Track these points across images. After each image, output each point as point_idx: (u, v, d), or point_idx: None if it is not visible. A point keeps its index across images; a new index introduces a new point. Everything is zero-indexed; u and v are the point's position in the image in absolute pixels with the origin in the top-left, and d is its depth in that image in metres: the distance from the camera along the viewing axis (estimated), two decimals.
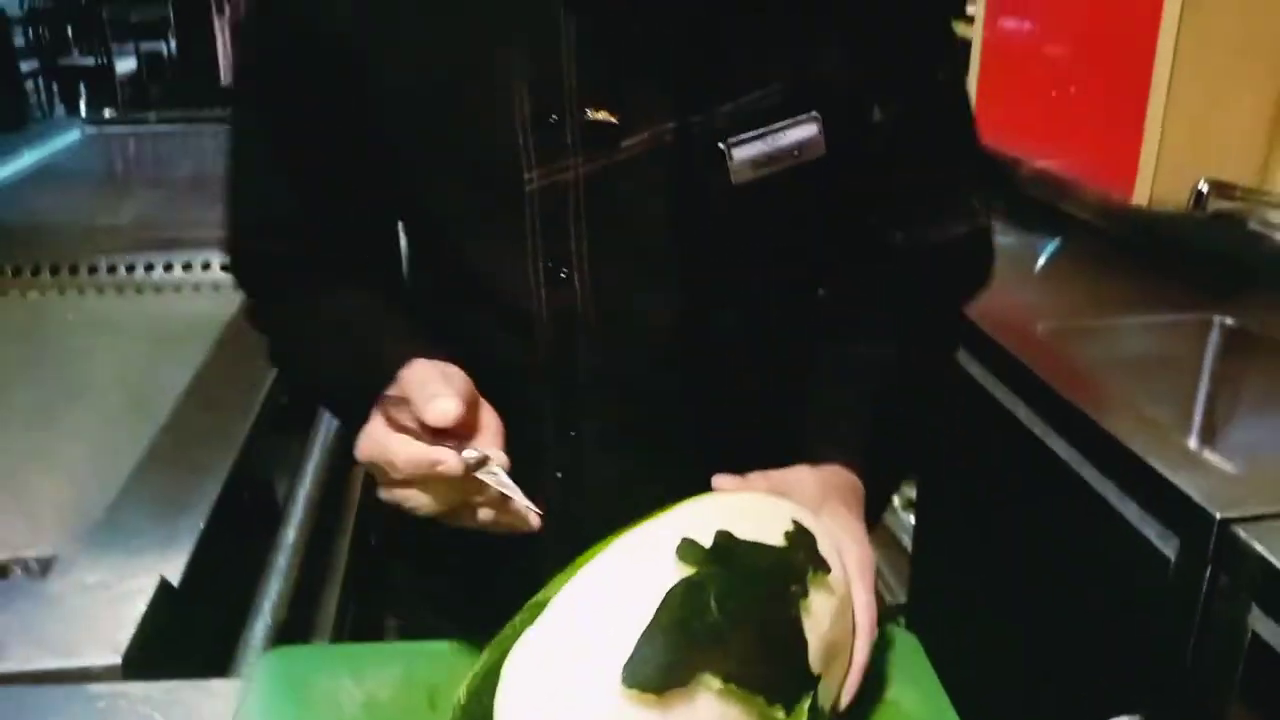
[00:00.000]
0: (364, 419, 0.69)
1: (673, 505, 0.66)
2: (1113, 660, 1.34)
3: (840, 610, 0.66)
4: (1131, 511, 1.25)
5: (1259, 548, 1.06)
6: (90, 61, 8.09)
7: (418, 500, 0.66)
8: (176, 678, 0.84)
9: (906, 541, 2.04)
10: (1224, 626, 1.11)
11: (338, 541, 1.49)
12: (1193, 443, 1.59)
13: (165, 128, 3.10)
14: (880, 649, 0.73)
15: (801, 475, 0.75)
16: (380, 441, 0.66)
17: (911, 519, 2.04)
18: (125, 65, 8.18)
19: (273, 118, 0.82)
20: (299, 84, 0.79)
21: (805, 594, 0.63)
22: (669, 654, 0.57)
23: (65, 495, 1.21)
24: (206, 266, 1.87)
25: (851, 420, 0.82)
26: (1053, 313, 1.67)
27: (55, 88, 8.33)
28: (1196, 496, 1.14)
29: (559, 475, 0.83)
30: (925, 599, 1.98)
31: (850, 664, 0.68)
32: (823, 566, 0.65)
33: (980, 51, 2.17)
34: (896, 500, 2.17)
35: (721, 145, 0.73)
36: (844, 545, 0.70)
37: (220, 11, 10.46)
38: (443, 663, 0.77)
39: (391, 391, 0.68)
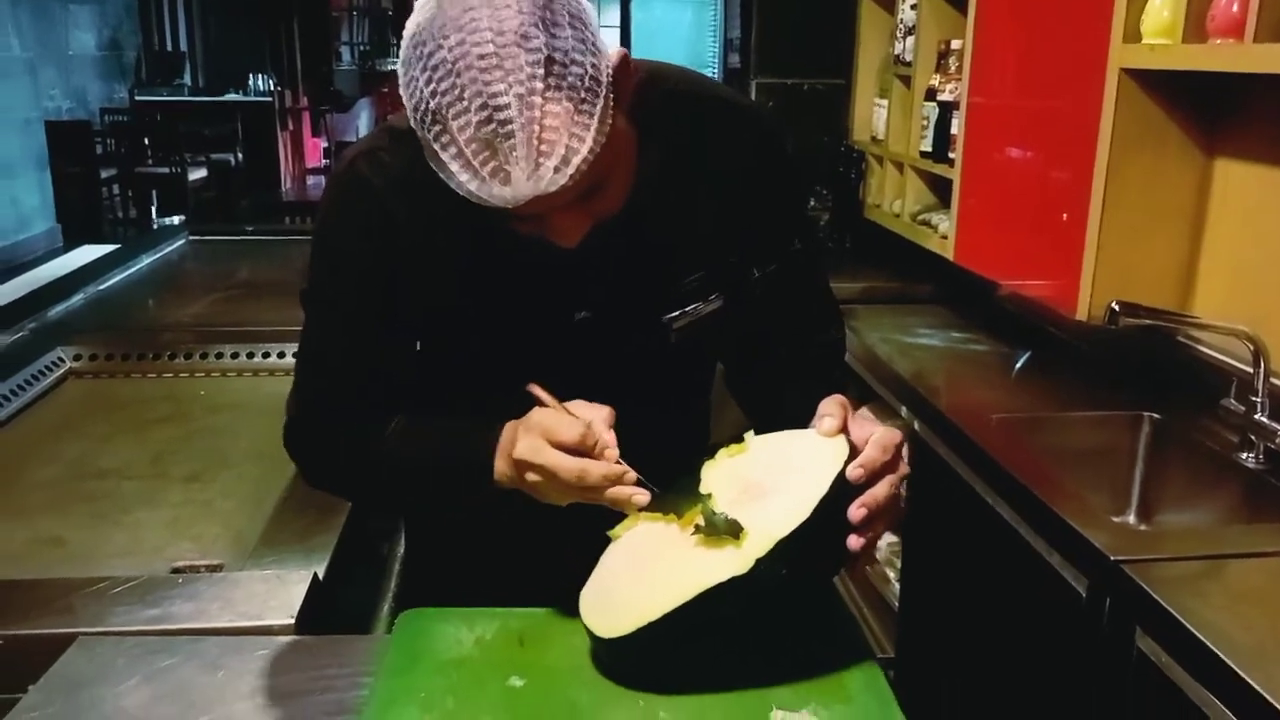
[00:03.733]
0: (476, 478, 1.05)
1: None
2: (1049, 677, 1.65)
3: (750, 466, 1.03)
4: (1056, 560, 1.59)
5: (1142, 583, 1.39)
6: (165, 170, 8.69)
7: (569, 498, 1.01)
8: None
9: (894, 602, 2.35)
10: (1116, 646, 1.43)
11: None
12: (1107, 507, 1.92)
13: (258, 237, 3.50)
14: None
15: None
16: (564, 464, 0.98)
17: (898, 583, 2.36)
18: (195, 174, 8.78)
19: (343, 321, 1.14)
20: (368, 303, 1.12)
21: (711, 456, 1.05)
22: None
23: (222, 529, 1.55)
24: None
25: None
26: (1009, 406, 2.02)
27: (130, 193, 8.90)
28: (1098, 544, 1.47)
29: None
30: (910, 652, 2.29)
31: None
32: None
33: (959, 194, 2.58)
34: (884, 564, 2.49)
35: (664, 319, 1.15)
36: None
37: (284, 128, 11.11)
38: (528, 617, 1.11)
39: (532, 439, 1.01)
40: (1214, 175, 1.97)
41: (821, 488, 0.96)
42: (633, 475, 1.00)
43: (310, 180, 9.04)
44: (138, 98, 9.41)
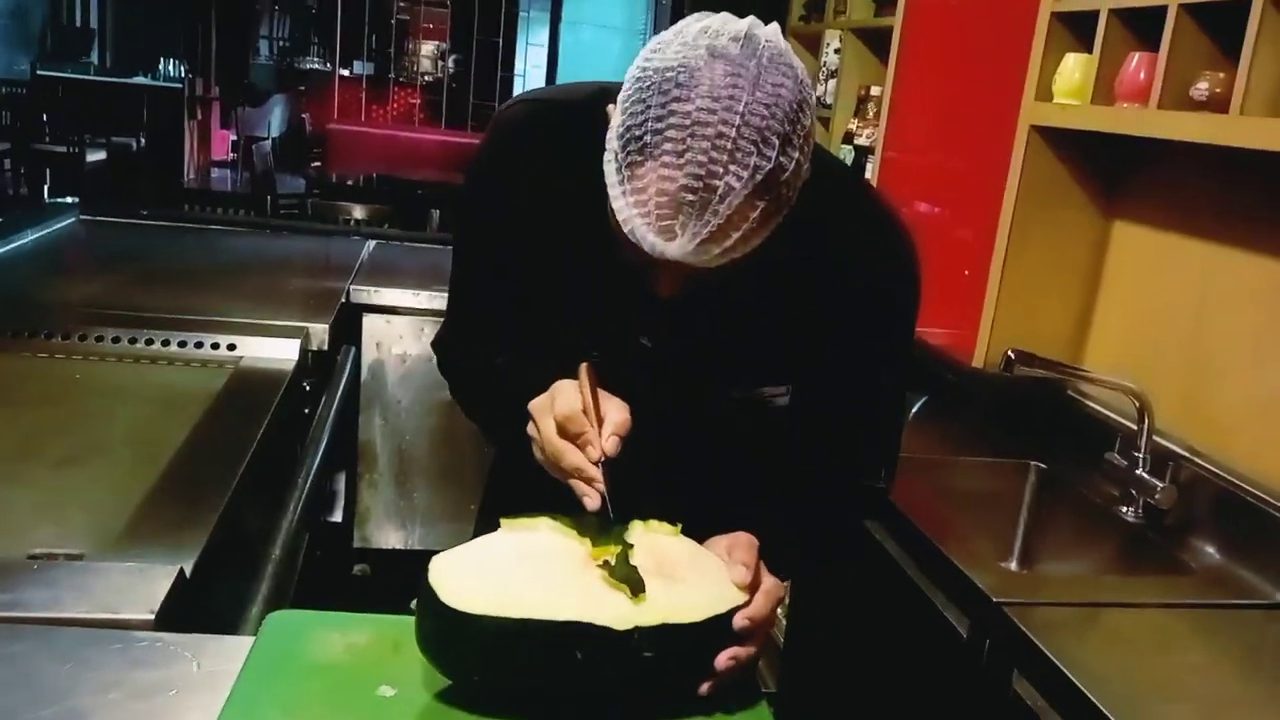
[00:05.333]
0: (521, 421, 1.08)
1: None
2: (930, 716, 1.67)
3: (671, 549, 1.04)
4: (940, 599, 1.60)
5: (1021, 626, 1.40)
6: (62, 149, 8.32)
7: (550, 468, 1.05)
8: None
9: (779, 637, 2.35)
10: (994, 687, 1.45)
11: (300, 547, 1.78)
12: (992, 551, 1.96)
13: (154, 222, 3.38)
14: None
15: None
16: (549, 435, 1.03)
17: (784, 618, 2.36)
18: (94, 155, 8.44)
19: (474, 270, 1.24)
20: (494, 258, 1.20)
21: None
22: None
23: (88, 517, 1.46)
24: (199, 345, 2.17)
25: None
26: (904, 448, 2.04)
27: (22, 170, 8.50)
28: (981, 586, 1.49)
29: None
30: (794, 687, 2.29)
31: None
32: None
33: None
34: None
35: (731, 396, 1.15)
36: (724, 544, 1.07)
37: (192, 116, 10.79)
38: (404, 625, 1.06)
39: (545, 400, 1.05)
40: (1112, 236, 2.04)
41: (719, 608, 1.00)
42: (600, 485, 1.00)
43: (215, 173, 8.78)
44: (39, 72, 9.04)
